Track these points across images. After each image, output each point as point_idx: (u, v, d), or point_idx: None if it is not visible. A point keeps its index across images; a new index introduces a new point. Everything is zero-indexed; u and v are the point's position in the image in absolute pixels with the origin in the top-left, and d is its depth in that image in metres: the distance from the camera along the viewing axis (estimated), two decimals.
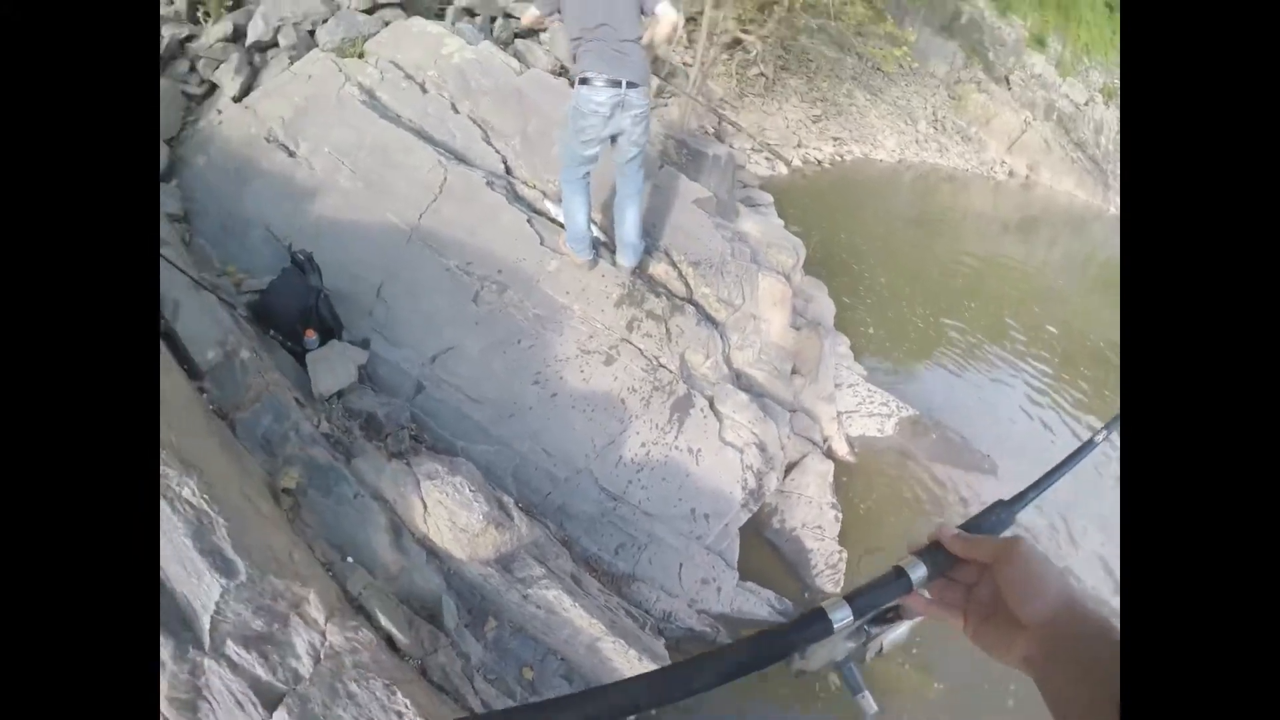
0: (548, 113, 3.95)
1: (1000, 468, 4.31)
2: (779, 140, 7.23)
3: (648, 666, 2.63)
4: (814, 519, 3.57)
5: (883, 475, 4.04)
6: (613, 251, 3.51)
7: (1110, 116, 11.96)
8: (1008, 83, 11.71)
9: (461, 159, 3.77)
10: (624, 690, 0.45)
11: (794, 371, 3.80)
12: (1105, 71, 12.36)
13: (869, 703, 0.67)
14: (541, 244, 3.50)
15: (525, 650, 2.35)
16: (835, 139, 8.05)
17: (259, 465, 2.29)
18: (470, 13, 5.16)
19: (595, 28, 2.80)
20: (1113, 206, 11.32)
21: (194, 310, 2.46)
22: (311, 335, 2.91)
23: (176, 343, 2.30)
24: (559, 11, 2.90)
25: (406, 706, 1.65)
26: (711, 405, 3.28)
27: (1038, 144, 11.34)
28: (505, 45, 5.07)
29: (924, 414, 4.45)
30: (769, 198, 5.59)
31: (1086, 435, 1.68)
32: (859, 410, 4.32)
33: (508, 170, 3.83)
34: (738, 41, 7.17)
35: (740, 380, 3.52)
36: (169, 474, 1.53)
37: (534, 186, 3.81)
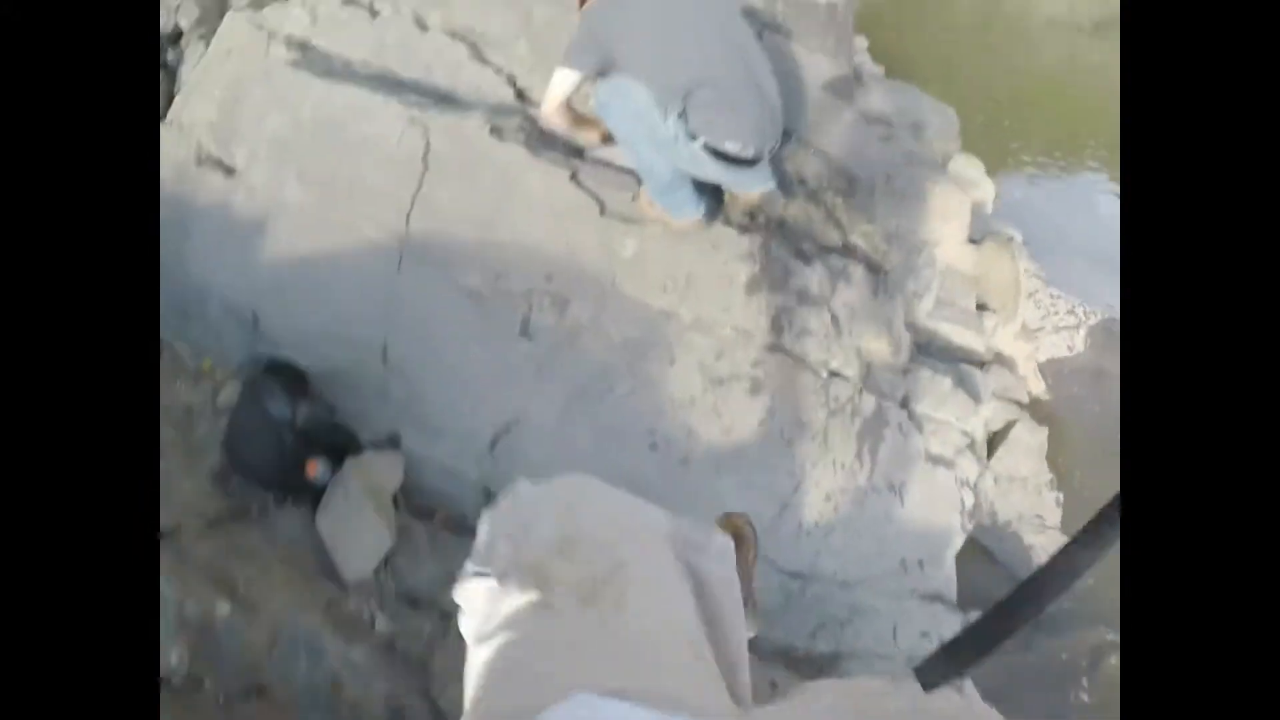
0: None
1: None
2: None
3: None
4: (1031, 507, 2.76)
5: (1083, 417, 3.16)
6: (715, 195, 2.27)
7: None
8: None
9: (447, 100, 2.44)
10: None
11: (981, 306, 2.76)
12: None
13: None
14: (602, 214, 2.25)
15: None
16: None
17: None
18: None
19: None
20: None
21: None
22: (315, 469, 1.95)
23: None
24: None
25: None
26: (907, 408, 2.32)
27: None
28: None
29: (1112, 314, 3.50)
30: (863, 41, 4.15)
31: None
32: (1044, 326, 3.34)
33: (519, 96, 2.48)
34: None
35: (928, 347, 2.51)
36: None
37: None
